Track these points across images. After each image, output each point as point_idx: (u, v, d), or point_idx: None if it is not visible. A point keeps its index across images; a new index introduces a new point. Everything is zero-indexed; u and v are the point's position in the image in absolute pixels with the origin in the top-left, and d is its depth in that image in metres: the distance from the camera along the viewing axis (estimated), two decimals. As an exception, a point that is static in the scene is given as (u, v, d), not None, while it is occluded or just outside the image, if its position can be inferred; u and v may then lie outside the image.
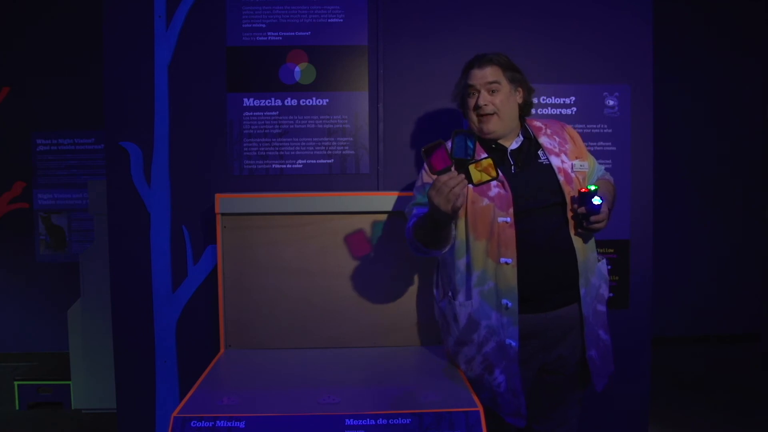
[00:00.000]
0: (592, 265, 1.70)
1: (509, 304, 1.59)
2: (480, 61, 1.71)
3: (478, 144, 1.55)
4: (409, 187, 2.21)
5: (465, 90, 1.73)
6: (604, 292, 1.75)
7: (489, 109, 1.67)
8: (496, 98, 1.68)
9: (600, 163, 1.88)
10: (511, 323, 1.60)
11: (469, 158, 1.40)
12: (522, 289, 1.60)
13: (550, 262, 1.62)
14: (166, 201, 2.20)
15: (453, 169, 1.40)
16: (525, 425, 1.67)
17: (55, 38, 4.13)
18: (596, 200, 1.57)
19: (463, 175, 1.39)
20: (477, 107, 1.68)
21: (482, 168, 1.39)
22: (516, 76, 1.72)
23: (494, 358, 1.62)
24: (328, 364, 1.79)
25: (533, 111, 1.84)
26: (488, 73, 1.68)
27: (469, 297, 1.65)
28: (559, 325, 1.66)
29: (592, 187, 1.59)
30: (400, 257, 1.99)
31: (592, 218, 1.58)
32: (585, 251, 1.67)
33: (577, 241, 1.65)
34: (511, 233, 1.59)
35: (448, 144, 1.44)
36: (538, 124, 1.77)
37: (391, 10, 2.22)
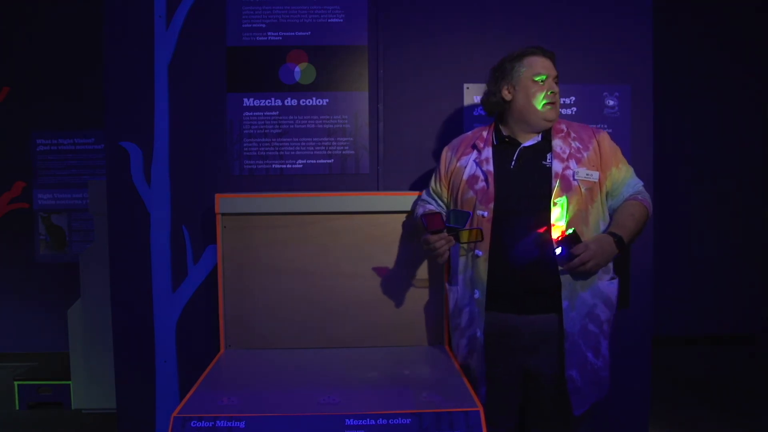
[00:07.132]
0: (585, 279, 1.62)
1: (477, 294, 1.66)
2: (543, 50, 1.71)
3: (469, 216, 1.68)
4: (409, 187, 2.22)
5: (528, 78, 1.68)
6: (601, 313, 1.63)
7: (557, 97, 1.69)
8: (557, 89, 1.70)
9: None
10: (479, 314, 1.66)
11: (462, 227, 1.61)
12: (492, 283, 1.64)
13: (526, 264, 1.61)
14: (166, 201, 2.20)
15: (445, 232, 1.61)
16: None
17: (55, 38, 4.13)
18: (557, 250, 1.56)
19: (450, 236, 1.60)
20: (551, 94, 1.67)
21: (472, 234, 1.61)
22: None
23: (472, 345, 1.71)
24: (328, 364, 1.79)
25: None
26: (551, 65, 1.70)
27: (456, 282, 1.75)
28: (534, 331, 1.63)
29: (570, 231, 1.55)
30: (400, 257, 1.99)
31: (561, 266, 1.56)
32: None
33: None
34: (487, 227, 1.63)
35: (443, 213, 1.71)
36: (561, 126, 1.72)
37: (391, 10, 2.22)
